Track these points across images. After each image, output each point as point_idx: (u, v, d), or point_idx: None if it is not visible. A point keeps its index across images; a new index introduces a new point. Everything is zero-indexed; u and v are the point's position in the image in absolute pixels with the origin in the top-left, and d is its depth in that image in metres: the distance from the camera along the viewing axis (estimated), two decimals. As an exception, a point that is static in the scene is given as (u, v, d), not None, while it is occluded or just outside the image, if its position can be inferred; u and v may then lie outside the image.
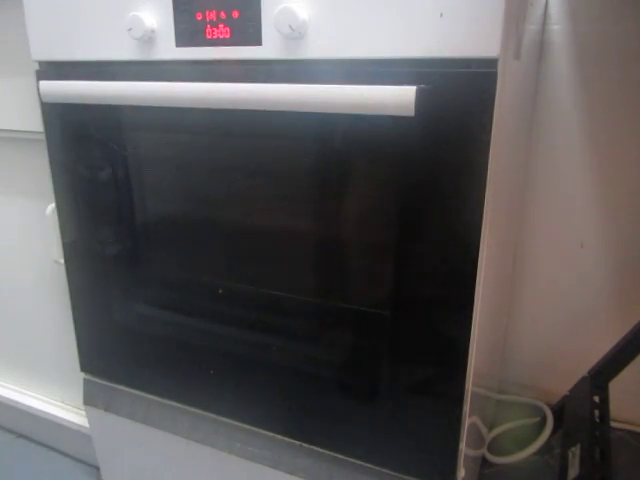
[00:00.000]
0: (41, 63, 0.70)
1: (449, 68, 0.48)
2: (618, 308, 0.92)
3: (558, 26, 0.84)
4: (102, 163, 0.70)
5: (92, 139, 0.69)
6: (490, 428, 0.96)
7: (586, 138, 0.87)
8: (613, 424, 0.93)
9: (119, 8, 0.61)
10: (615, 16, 0.80)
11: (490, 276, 0.60)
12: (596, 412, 0.81)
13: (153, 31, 0.60)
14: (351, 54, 0.51)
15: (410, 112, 0.47)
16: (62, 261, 0.79)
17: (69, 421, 0.99)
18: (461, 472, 0.61)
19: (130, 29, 0.59)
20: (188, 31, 0.58)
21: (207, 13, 0.57)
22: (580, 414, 0.82)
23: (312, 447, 0.68)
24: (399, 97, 0.47)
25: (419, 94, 0.47)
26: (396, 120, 0.49)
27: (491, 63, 0.47)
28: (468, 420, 0.59)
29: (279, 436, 0.70)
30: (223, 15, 0.56)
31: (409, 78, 0.49)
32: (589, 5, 0.81)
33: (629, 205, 0.87)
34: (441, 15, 0.47)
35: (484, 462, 0.90)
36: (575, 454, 0.74)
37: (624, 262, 0.90)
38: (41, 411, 1.02)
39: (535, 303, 0.98)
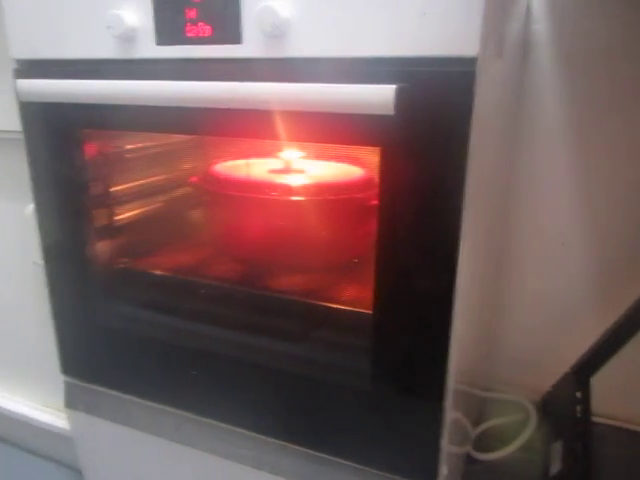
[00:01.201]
0: (19, 61, 0.68)
1: (429, 67, 0.48)
2: (600, 304, 0.93)
3: (541, 25, 0.85)
4: (81, 162, 0.69)
5: (71, 138, 0.68)
6: (476, 425, 0.97)
7: (569, 138, 0.88)
8: (597, 419, 0.94)
9: (98, 6, 0.60)
10: (596, 14, 0.81)
11: (471, 275, 0.60)
12: (578, 408, 0.82)
13: (133, 29, 0.59)
14: (333, 53, 0.51)
15: (390, 111, 0.47)
16: (42, 262, 0.78)
17: (51, 424, 0.98)
18: (444, 470, 0.61)
19: (109, 27, 0.59)
20: (168, 29, 0.58)
21: (187, 11, 0.56)
22: (562, 410, 0.83)
23: (296, 447, 0.68)
24: (379, 96, 0.47)
25: (399, 93, 0.47)
26: (376, 119, 0.49)
27: (470, 62, 0.47)
28: (450, 417, 0.59)
29: (263, 436, 0.70)
30: (204, 13, 0.55)
31: (390, 77, 0.49)
32: (570, 3, 0.82)
33: (610, 204, 0.88)
34: (424, 14, 0.47)
35: (469, 459, 0.90)
36: (557, 449, 0.75)
37: (605, 259, 0.91)
38: (22, 415, 1.00)
39: (519, 301, 0.99)
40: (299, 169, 0.74)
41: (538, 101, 0.88)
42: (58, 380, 0.86)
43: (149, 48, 0.59)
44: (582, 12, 0.82)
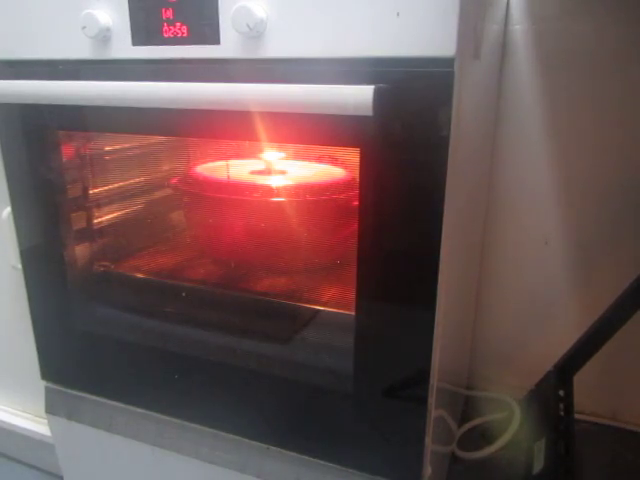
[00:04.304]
0: (-7, 62, 0.67)
1: (407, 67, 0.48)
2: (582, 302, 0.94)
3: (519, 26, 0.85)
4: (59, 164, 0.68)
5: (47, 140, 0.67)
6: (460, 424, 0.97)
7: (549, 138, 0.88)
8: (580, 416, 0.94)
9: (73, 6, 0.59)
10: (575, 15, 0.81)
11: (453, 274, 0.60)
12: (561, 406, 0.83)
13: (108, 29, 0.58)
14: (310, 53, 0.51)
15: (368, 112, 0.47)
16: (20, 266, 0.76)
17: (31, 430, 0.96)
18: (427, 469, 0.61)
19: (84, 27, 0.58)
20: (144, 29, 0.57)
21: (164, 11, 0.55)
22: (545, 408, 0.84)
23: (279, 450, 0.68)
24: (357, 96, 0.47)
25: (377, 93, 0.47)
26: (355, 119, 0.49)
27: (448, 62, 0.47)
28: (433, 416, 0.59)
29: (246, 440, 0.69)
30: (180, 13, 0.55)
31: (368, 77, 0.49)
32: (548, 5, 0.83)
33: (591, 203, 0.89)
34: (398, 14, 0.47)
35: (454, 458, 0.91)
36: (540, 448, 0.75)
37: (587, 258, 0.92)
38: (1, 421, 0.99)
39: (502, 300, 1.00)
40: (280, 170, 0.74)
41: (517, 101, 0.88)
42: (38, 385, 0.85)
43: (125, 49, 0.58)
44: (561, 13, 0.82)
